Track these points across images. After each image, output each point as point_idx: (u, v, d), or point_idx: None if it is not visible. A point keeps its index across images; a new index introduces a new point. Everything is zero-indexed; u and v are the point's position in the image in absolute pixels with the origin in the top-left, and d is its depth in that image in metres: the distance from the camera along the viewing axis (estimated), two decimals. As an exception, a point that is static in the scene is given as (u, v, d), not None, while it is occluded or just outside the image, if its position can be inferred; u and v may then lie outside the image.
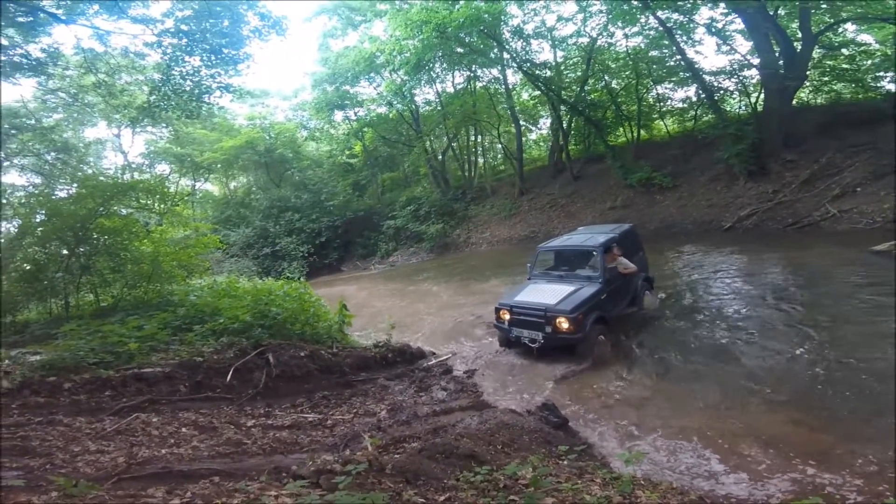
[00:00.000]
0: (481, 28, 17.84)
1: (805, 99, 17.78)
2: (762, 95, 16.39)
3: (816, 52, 15.67)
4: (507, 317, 6.76)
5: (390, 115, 26.05)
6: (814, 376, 5.15)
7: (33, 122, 16.86)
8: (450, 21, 16.33)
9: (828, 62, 16.68)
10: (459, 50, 20.03)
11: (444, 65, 22.79)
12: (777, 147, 14.66)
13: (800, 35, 14.66)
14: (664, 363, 6.05)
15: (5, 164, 16.28)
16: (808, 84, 16.58)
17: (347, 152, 29.26)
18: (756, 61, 15.73)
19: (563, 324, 6.16)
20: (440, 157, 26.33)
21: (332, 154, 29.51)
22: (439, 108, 24.41)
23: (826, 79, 17.16)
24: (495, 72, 22.95)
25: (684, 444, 4.26)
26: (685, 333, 6.89)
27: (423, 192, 25.26)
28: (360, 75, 23.58)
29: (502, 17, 18.81)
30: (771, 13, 14.12)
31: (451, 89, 24.93)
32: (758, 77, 16.40)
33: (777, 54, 14.70)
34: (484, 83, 23.91)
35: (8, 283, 6.71)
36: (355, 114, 26.80)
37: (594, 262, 7.14)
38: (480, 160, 27.39)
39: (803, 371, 5.30)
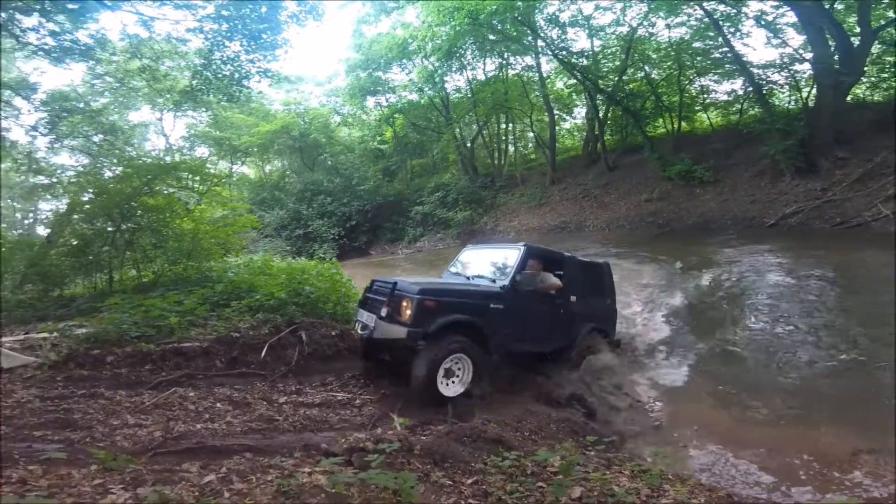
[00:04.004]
0: (515, 15, 17.47)
1: (861, 95, 16.77)
2: (814, 90, 15.49)
3: (875, 48, 14.71)
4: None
5: (421, 102, 26.05)
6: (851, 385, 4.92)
7: (82, 105, 17.51)
8: (483, 8, 16.06)
9: (888, 58, 15.60)
10: (492, 37, 19.73)
11: (476, 52, 22.57)
12: (828, 144, 13.88)
13: (857, 30, 13.77)
14: (699, 362, 5.89)
15: (56, 145, 17.07)
16: (864, 80, 15.69)
17: (378, 138, 29.51)
18: (809, 55, 14.86)
19: (406, 309, 4.41)
20: (469, 144, 26.20)
21: (363, 139, 29.80)
22: (470, 95, 24.22)
23: (885, 75, 16.12)
24: (528, 59, 22.51)
25: (715, 446, 4.15)
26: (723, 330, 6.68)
27: (452, 178, 25.27)
28: (392, 62, 23.67)
29: (537, 4, 18.32)
30: (826, 6, 13.36)
31: (482, 76, 24.70)
32: (810, 72, 15.48)
33: (832, 49, 13.83)
34: (516, 71, 23.51)
35: (56, 258, 7.03)
36: (387, 100, 26.93)
37: (511, 263, 5.32)
38: (511, 148, 27.11)
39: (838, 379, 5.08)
